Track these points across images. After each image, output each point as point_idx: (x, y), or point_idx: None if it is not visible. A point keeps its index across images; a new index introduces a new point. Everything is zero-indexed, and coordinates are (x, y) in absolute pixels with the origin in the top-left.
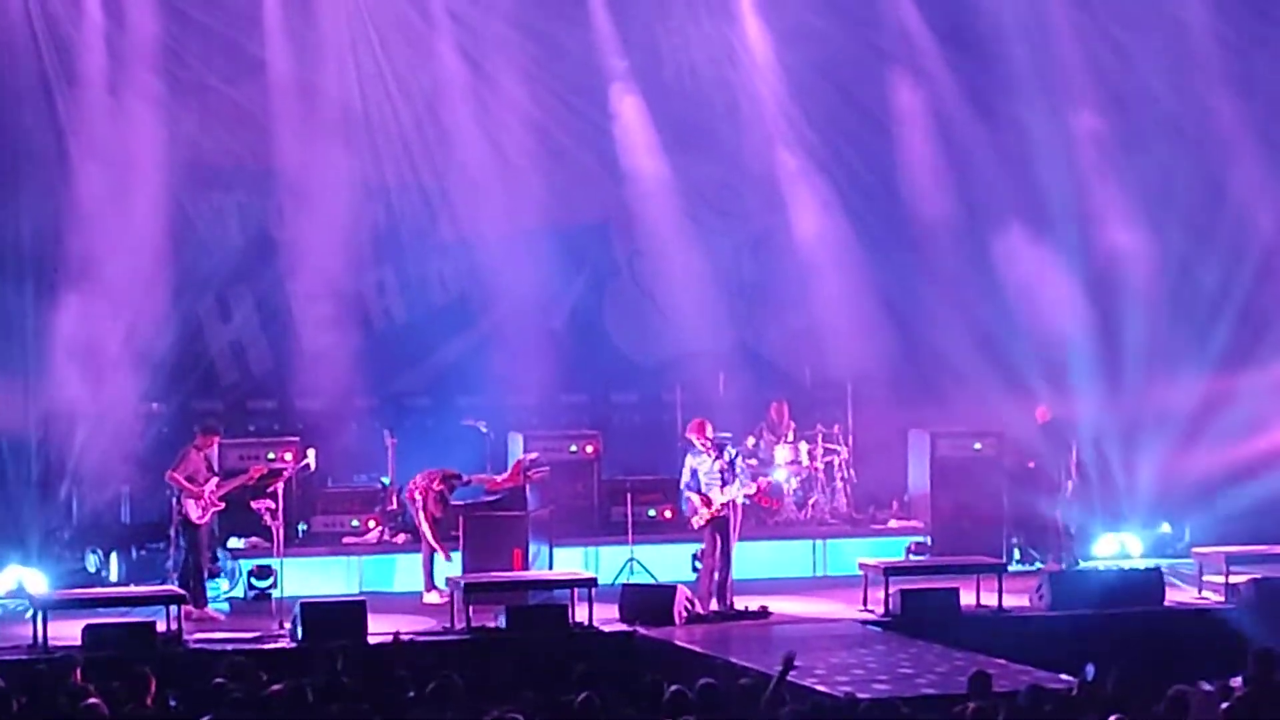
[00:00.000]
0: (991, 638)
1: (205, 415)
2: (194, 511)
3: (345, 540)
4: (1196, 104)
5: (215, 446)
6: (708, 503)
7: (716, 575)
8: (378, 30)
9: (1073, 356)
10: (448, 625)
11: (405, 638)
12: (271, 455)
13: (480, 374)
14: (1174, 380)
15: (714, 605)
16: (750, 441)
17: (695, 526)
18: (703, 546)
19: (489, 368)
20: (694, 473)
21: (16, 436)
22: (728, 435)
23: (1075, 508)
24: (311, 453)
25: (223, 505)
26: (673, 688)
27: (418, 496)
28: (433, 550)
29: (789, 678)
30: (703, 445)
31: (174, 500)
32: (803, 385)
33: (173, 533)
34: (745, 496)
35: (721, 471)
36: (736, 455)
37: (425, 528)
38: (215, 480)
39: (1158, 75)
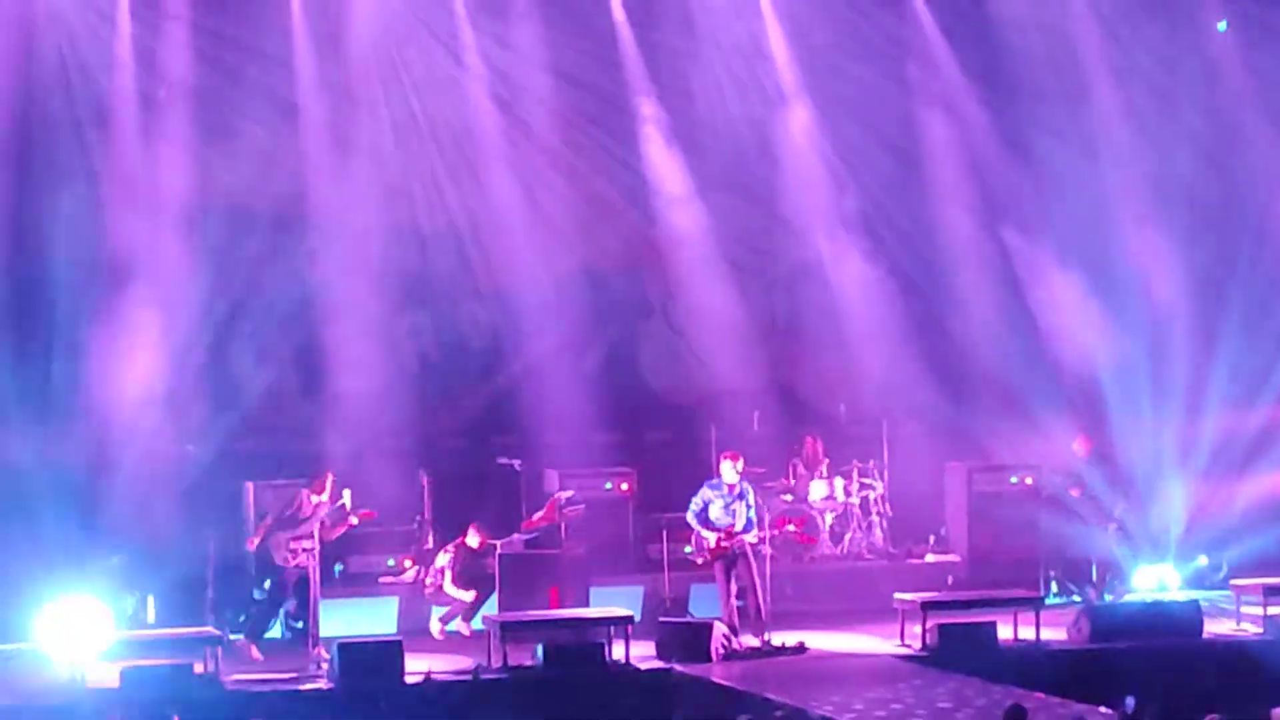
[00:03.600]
0: (1030, 671)
1: (240, 458)
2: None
3: (382, 580)
4: (1231, 134)
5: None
6: (727, 535)
7: (743, 608)
8: (410, 74)
9: (1108, 388)
10: (484, 664)
11: (436, 677)
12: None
13: (514, 414)
14: (1211, 411)
15: (750, 641)
16: (789, 479)
17: (699, 562)
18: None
19: (523, 408)
20: (706, 505)
21: (53, 480)
22: (761, 471)
23: (1117, 540)
24: (347, 493)
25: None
26: None
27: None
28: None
29: (821, 712)
30: (734, 475)
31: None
32: (837, 422)
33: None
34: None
35: (731, 514)
36: (754, 504)
37: (453, 590)
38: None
39: (1190, 108)
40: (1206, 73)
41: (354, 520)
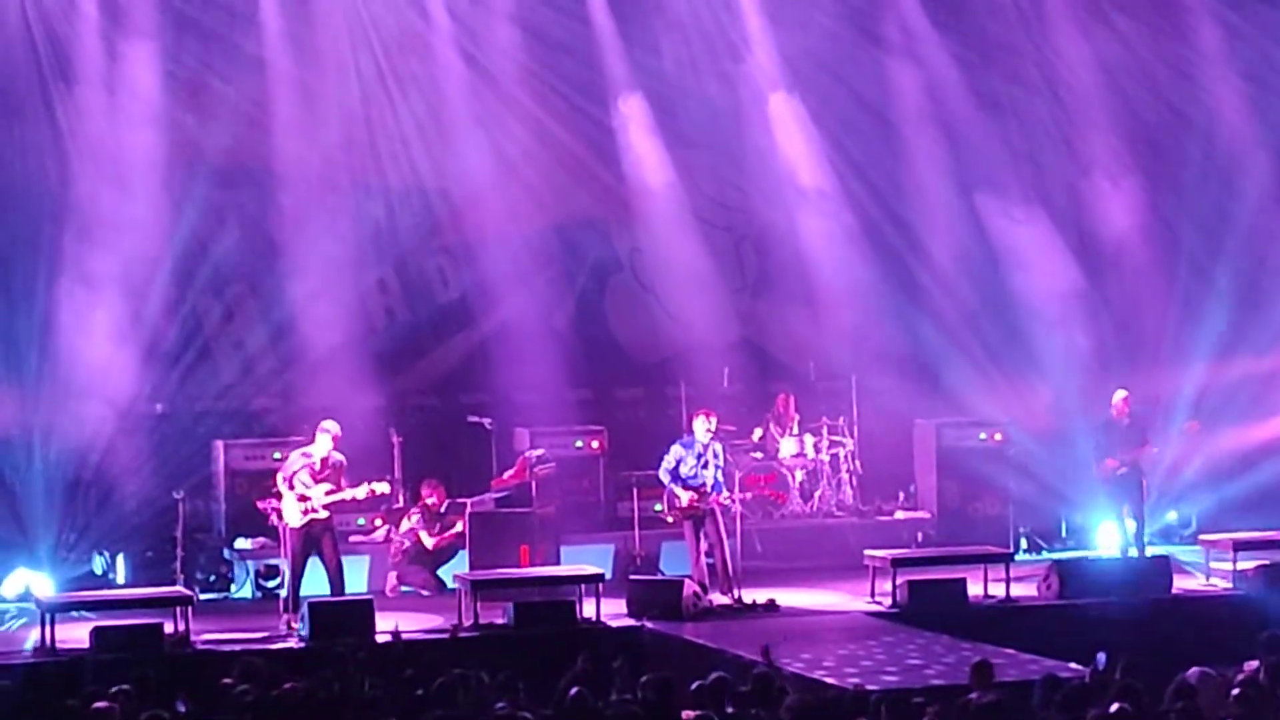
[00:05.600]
0: (999, 628)
1: (209, 416)
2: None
3: (352, 539)
4: (1198, 90)
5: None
6: (700, 496)
7: (712, 565)
8: (377, 29)
9: (1078, 345)
10: (455, 623)
11: (406, 636)
12: (277, 455)
13: (484, 371)
14: (1178, 366)
15: (721, 599)
16: (756, 434)
17: (669, 520)
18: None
19: (493, 365)
20: (678, 462)
21: (21, 441)
22: (731, 429)
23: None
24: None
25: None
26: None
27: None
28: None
29: (792, 669)
30: (707, 434)
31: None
32: (807, 378)
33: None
34: (730, 498)
35: (699, 473)
36: (721, 465)
37: (430, 540)
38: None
39: (1159, 63)
40: (1181, 30)
41: (358, 494)
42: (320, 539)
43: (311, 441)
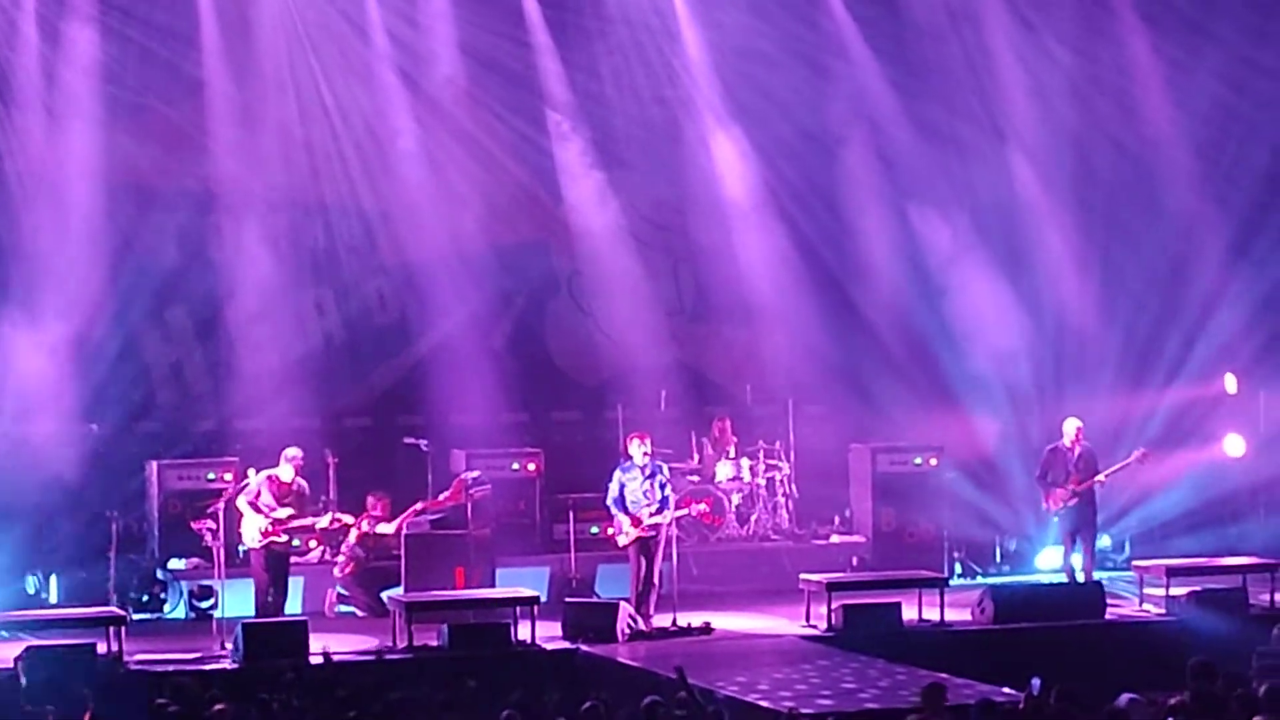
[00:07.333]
0: (934, 652)
1: (143, 436)
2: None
3: None
4: (1134, 118)
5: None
6: (637, 523)
7: (642, 590)
8: (316, 51)
9: (1014, 371)
10: (389, 644)
11: (337, 657)
12: (211, 476)
13: (421, 393)
14: (1116, 392)
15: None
16: (695, 459)
17: (620, 545)
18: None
19: (430, 387)
20: (622, 488)
21: None
22: (668, 452)
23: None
24: (252, 473)
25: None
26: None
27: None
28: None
29: (727, 692)
30: (644, 456)
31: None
32: (744, 402)
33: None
34: (674, 520)
35: (646, 493)
36: (667, 482)
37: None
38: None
39: (1094, 90)
40: (1116, 59)
41: (322, 522)
42: (280, 562)
43: (254, 466)
